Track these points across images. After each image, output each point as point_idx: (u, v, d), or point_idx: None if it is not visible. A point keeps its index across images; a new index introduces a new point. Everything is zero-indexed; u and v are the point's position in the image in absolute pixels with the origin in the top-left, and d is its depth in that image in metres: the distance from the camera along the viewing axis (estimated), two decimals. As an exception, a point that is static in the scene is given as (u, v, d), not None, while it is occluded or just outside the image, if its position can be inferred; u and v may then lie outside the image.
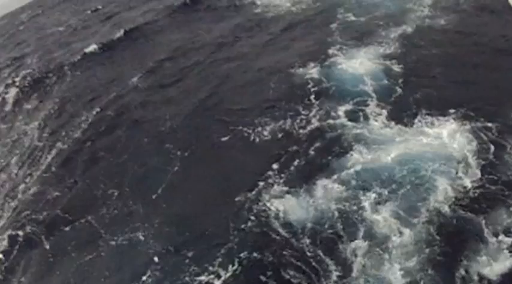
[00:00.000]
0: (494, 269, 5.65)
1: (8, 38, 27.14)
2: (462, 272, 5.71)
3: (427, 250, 6.08)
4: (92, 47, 17.29)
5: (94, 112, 12.40)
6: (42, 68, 17.28)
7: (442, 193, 6.72)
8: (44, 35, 23.40)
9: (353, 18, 14.06)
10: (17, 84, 16.10)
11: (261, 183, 7.91)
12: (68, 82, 15.58)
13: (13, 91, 15.62)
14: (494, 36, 10.73)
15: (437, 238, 6.20)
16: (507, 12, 11.11)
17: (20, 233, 8.80)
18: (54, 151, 11.33)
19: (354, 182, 7.39)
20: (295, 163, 8.25)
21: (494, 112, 7.99)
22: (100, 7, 24.86)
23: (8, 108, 15.01)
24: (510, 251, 5.79)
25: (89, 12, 24.97)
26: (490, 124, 7.79)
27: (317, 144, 8.62)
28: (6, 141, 12.69)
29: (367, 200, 7.01)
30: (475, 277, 5.63)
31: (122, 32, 18.02)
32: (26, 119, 13.67)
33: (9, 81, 16.87)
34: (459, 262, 5.83)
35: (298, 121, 9.40)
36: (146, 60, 15.02)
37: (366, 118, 8.99)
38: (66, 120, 12.69)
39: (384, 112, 8.99)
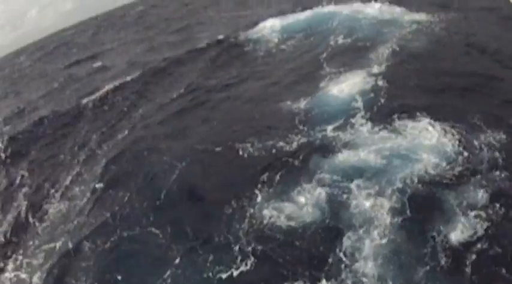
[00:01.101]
0: (461, 238, 6.66)
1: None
2: (431, 242, 6.73)
3: (401, 223, 7.16)
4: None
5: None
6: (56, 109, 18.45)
7: (418, 175, 7.94)
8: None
9: (340, 46, 15.53)
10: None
11: (256, 189, 8.85)
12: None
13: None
14: (458, 51, 12.86)
15: (412, 214, 7.28)
16: (468, 36, 13.18)
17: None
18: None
19: (341, 178, 8.47)
20: (284, 171, 9.28)
21: (460, 115, 9.30)
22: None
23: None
24: (474, 223, 6.79)
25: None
26: (457, 124, 9.03)
27: (305, 154, 9.65)
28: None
29: (354, 192, 8.02)
30: (444, 245, 6.63)
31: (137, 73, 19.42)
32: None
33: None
34: (429, 232, 6.85)
35: (287, 139, 10.41)
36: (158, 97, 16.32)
37: (352, 127, 10.11)
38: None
39: (369, 122, 10.13)
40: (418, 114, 9.63)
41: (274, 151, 10.10)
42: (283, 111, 12.05)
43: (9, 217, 11.57)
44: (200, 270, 7.40)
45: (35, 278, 8.66)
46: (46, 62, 40.88)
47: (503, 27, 14.35)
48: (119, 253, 8.52)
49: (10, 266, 9.44)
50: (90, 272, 8.23)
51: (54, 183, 12.38)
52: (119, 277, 7.90)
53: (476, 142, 8.39)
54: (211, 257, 7.55)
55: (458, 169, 7.87)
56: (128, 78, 19.53)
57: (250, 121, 12.02)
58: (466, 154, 8.19)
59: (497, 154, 7.99)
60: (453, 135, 8.73)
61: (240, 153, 10.41)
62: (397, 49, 13.78)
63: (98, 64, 27.20)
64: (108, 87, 19.00)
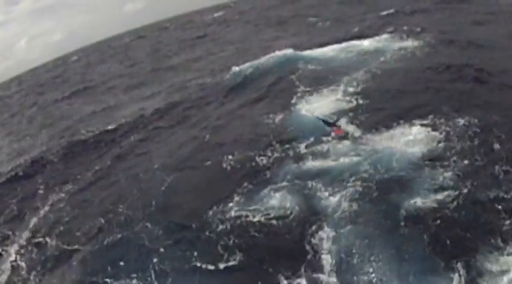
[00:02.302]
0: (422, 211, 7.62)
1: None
2: (401, 217, 7.66)
3: (367, 207, 8.12)
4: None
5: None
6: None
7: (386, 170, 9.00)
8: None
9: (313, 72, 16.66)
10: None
11: (235, 194, 9.80)
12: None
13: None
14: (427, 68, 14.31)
15: (378, 197, 8.35)
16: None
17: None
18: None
19: (310, 180, 9.49)
20: (260, 177, 10.27)
21: (431, 118, 10.63)
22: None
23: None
24: (438, 200, 7.77)
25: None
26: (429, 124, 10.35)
27: (279, 163, 10.65)
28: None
29: (321, 190, 9.05)
30: (406, 218, 7.60)
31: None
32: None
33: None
34: (393, 208, 7.86)
35: (262, 152, 11.44)
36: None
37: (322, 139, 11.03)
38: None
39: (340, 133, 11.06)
40: (387, 127, 10.82)
41: (252, 161, 11.07)
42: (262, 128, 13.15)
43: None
44: (187, 262, 8.21)
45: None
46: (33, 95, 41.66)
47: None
48: (114, 244, 9.50)
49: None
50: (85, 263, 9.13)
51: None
52: (112, 267, 8.75)
53: (442, 142, 9.57)
54: (196, 252, 8.36)
55: (426, 160, 9.06)
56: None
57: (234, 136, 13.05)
58: (432, 147, 9.42)
59: (463, 146, 9.21)
60: (421, 136, 9.92)
61: (223, 164, 11.34)
62: (375, 71, 15.14)
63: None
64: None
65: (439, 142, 9.52)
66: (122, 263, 8.76)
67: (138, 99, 22.92)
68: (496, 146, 8.90)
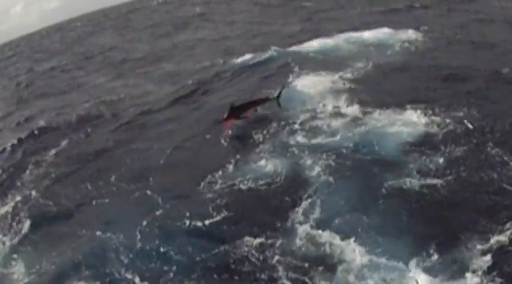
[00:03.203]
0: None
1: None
2: (384, 192, 8.34)
3: (353, 180, 8.89)
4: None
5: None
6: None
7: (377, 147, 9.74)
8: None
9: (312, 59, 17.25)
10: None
11: (228, 164, 10.52)
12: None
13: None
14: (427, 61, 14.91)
15: (366, 171, 9.11)
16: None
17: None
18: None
19: (300, 151, 10.28)
20: (254, 147, 11.07)
21: (423, 108, 11.15)
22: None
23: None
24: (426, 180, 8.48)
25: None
26: (421, 115, 10.89)
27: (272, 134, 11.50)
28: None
29: (309, 161, 9.78)
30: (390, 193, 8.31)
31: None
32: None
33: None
34: (378, 184, 8.53)
35: (256, 125, 12.15)
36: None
37: (318, 114, 11.82)
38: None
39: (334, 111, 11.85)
40: (381, 111, 11.39)
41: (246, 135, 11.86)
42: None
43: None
44: (179, 220, 8.88)
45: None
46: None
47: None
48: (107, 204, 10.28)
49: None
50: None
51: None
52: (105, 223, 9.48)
53: (435, 126, 10.32)
54: (188, 212, 9.01)
55: (416, 144, 9.69)
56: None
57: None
58: (425, 132, 10.10)
59: (455, 135, 9.86)
60: (415, 122, 10.60)
61: (220, 138, 12.12)
62: (374, 61, 15.64)
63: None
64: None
65: (431, 129, 10.11)
66: (114, 221, 9.44)
67: (139, 73, 23.20)
68: (488, 138, 9.47)
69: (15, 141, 16.04)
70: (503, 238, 6.83)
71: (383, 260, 6.74)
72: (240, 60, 19.85)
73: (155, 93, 18.51)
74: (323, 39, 20.14)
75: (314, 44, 19.63)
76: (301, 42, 20.61)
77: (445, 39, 17.59)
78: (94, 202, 10.44)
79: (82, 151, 13.78)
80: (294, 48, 19.86)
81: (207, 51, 25.10)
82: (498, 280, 6.17)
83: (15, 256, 9.13)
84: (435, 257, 6.73)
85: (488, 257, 6.56)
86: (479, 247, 6.76)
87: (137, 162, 12.03)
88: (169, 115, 15.27)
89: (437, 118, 10.53)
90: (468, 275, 6.31)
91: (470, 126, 9.96)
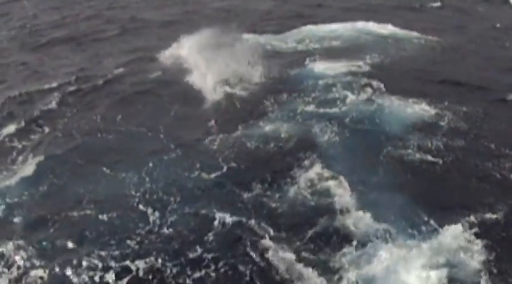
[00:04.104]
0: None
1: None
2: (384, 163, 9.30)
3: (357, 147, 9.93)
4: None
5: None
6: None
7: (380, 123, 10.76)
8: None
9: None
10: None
11: (239, 125, 11.28)
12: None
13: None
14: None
15: (366, 142, 10.13)
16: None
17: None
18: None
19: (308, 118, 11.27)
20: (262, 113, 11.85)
21: (431, 99, 11.96)
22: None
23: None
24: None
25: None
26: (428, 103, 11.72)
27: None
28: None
29: (316, 128, 10.72)
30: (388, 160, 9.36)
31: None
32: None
33: None
34: (378, 151, 9.55)
35: (269, 96, 12.73)
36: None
37: (332, 92, 12.54)
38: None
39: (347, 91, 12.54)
40: (394, 95, 12.23)
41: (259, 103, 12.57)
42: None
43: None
44: (190, 171, 9.64)
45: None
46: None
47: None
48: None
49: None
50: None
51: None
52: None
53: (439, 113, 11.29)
54: (198, 165, 9.78)
55: (421, 127, 10.73)
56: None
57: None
58: (430, 119, 11.09)
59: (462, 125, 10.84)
60: (423, 109, 11.49)
61: (236, 102, 12.80)
62: (390, 53, 16.26)
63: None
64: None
65: (436, 118, 11.02)
66: (124, 160, 10.18)
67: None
68: (487, 132, 10.46)
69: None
70: (484, 214, 8.00)
71: (375, 210, 7.92)
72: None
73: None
74: (338, 25, 20.55)
75: (330, 28, 20.06)
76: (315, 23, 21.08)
77: (460, 40, 18.31)
78: (104, 140, 11.15)
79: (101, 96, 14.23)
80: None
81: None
82: (475, 241, 7.35)
83: (25, 193, 9.44)
84: (421, 219, 7.86)
85: (470, 228, 7.64)
86: (460, 218, 7.85)
87: (152, 109, 12.64)
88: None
89: (443, 110, 11.43)
90: (447, 240, 7.37)
91: (473, 120, 10.97)
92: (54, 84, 14.30)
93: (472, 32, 19.82)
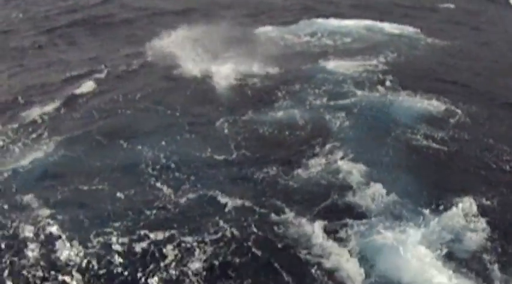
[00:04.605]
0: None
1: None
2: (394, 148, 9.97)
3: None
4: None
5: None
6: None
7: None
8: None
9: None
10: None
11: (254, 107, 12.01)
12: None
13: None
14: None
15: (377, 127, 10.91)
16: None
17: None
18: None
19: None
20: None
21: (449, 96, 12.62)
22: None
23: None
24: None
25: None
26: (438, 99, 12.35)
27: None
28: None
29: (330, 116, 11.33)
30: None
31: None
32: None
33: None
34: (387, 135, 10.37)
35: (283, 86, 13.29)
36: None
37: (344, 88, 13.02)
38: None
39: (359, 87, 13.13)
40: (406, 90, 12.85)
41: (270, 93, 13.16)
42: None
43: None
44: (202, 153, 10.14)
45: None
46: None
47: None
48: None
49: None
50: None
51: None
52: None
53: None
54: (210, 146, 10.34)
55: (430, 119, 11.42)
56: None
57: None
58: (439, 113, 11.74)
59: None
60: (433, 104, 12.06)
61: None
62: (402, 52, 16.65)
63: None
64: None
65: (446, 113, 11.65)
66: (139, 136, 10.80)
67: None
68: (493, 128, 11.17)
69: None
70: (482, 197, 8.70)
71: (382, 188, 8.61)
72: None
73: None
74: (348, 21, 21.04)
75: (341, 24, 20.55)
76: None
77: (471, 42, 18.90)
78: (122, 119, 11.73)
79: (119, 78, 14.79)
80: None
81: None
82: (474, 220, 8.06)
83: (44, 169, 9.85)
84: (425, 198, 8.57)
85: (470, 209, 8.29)
86: (461, 200, 8.49)
87: (167, 92, 13.19)
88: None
89: (451, 107, 12.02)
90: (448, 219, 8.02)
91: (479, 119, 11.64)
92: (72, 68, 14.91)
93: (484, 34, 20.39)
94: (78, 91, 13.19)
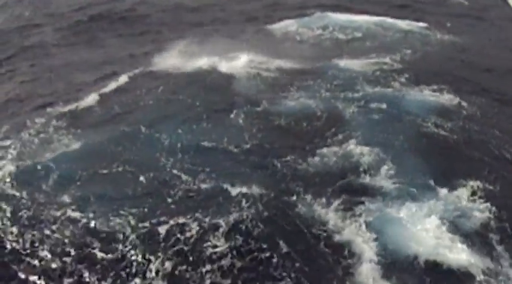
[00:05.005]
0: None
1: None
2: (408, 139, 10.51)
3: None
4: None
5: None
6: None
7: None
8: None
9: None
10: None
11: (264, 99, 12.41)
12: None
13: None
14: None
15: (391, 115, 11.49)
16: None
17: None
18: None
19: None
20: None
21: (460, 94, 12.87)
22: None
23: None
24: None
25: None
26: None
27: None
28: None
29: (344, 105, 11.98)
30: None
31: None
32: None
33: None
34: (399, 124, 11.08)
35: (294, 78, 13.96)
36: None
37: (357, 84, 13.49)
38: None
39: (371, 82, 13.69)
40: (418, 85, 13.25)
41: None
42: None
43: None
44: (217, 142, 10.67)
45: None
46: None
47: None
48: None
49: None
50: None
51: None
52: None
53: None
54: (226, 137, 10.75)
55: (440, 111, 11.85)
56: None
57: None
58: (450, 107, 12.17)
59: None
60: (444, 98, 12.49)
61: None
62: (415, 50, 16.80)
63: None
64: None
65: (456, 107, 12.07)
66: (156, 122, 11.46)
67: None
68: (500, 122, 11.61)
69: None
70: (487, 181, 9.30)
71: (393, 171, 9.32)
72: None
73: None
74: (357, 17, 21.42)
75: (351, 18, 21.00)
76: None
77: (483, 38, 19.14)
78: (143, 107, 12.45)
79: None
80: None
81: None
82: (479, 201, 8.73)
83: (67, 156, 10.38)
84: (434, 180, 9.24)
85: (476, 191, 8.98)
86: (467, 182, 9.17)
87: (187, 81, 13.81)
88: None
89: (462, 100, 12.42)
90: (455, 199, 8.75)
91: (487, 112, 12.12)
92: (94, 66, 15.66)
93: (495, 30, 20.60)
94: (101, 86, 13.82)
